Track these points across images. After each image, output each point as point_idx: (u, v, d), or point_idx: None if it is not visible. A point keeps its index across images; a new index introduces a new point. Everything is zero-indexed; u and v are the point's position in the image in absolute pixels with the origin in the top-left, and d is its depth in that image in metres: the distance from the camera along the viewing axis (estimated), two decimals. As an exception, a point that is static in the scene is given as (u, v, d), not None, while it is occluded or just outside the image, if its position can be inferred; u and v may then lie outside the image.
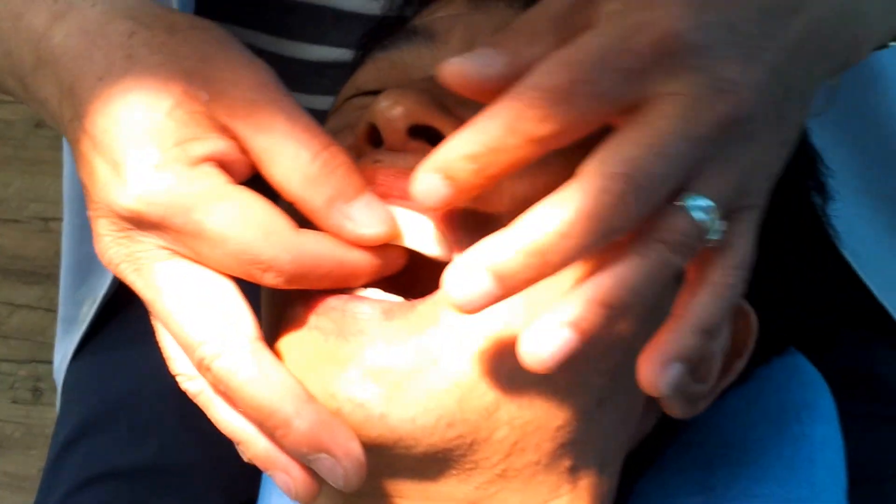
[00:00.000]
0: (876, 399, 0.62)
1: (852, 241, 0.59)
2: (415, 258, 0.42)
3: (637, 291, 0.35)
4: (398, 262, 0.41)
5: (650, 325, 0.43)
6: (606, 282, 0.35)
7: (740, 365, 0.48)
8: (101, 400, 0.70)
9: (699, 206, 0.35)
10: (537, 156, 0.35)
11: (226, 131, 0.38)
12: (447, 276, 0.34)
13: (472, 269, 0.34)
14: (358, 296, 0.41)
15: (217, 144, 0.38)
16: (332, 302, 0.41)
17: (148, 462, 0.66)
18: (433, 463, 0.41)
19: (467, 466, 0.42)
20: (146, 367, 0.64)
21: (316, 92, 0.68)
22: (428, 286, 0.41)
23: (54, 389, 0.78)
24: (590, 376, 0.42)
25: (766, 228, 0.50)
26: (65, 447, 0.69)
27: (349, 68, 0.53)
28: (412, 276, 0.43)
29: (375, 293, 0.42)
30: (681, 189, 0.35)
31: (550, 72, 0.34)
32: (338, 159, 0.39)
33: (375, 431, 0.40)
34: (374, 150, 0.43)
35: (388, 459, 0.41)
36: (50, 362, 0.78)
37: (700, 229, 0.35)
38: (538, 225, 0.33)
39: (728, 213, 0.36)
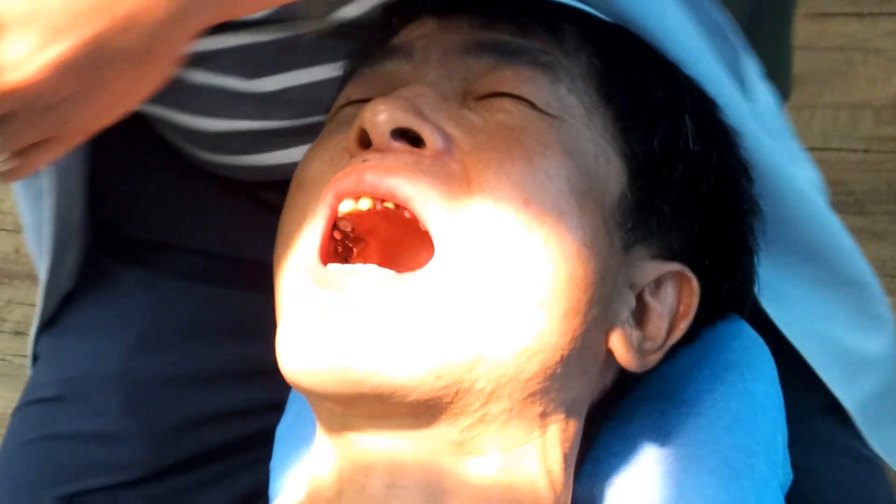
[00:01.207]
0: None
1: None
2: (405, 239, 0.49)
3: None
4: None
5: (602, 293, 0.50)
6: None
7: (685, 325, 0.55)
8: (58, 378, 0.77)
9: None
10: None
11: None
12: None
13: None
14: (357, 269, 0.48)
15: None
16: (333, 274, 0.48)
17: (88, 430, 0.75)
18: (425, 410, 0.47)
19: (454, 412, 0.48)
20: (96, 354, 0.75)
21: (221, 152, 0.75)
22: (416, 264, 0.48)
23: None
24: (554, 338, 0.49)
25: (707, 208, 0.57)
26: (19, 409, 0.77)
27: (340, 81, 0.60)
28: (402, 256, 0.50)
29: (371, 268, 0.48)
30: None
31: None
32: None
33: (375, 383, 0.46)
34: (364, 151, 0.49)
35: (387, 407, 0.47)
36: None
37: None
38: None
39: None
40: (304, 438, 0.67)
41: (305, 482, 0.54)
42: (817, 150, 1.68)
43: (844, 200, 1.62)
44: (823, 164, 1.71)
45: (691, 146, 0.55)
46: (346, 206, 0.49)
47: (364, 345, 0.46)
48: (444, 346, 0.47)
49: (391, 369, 0.46)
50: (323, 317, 0.47)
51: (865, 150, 1.67)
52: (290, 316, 0.49)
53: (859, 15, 1.86)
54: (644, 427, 0.59)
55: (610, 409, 0.59)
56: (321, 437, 0.53)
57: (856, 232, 1.59)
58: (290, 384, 0.49)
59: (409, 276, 0.47)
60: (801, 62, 1.81)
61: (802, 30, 1.87)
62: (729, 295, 0.60)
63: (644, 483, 0.57)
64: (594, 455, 0.59)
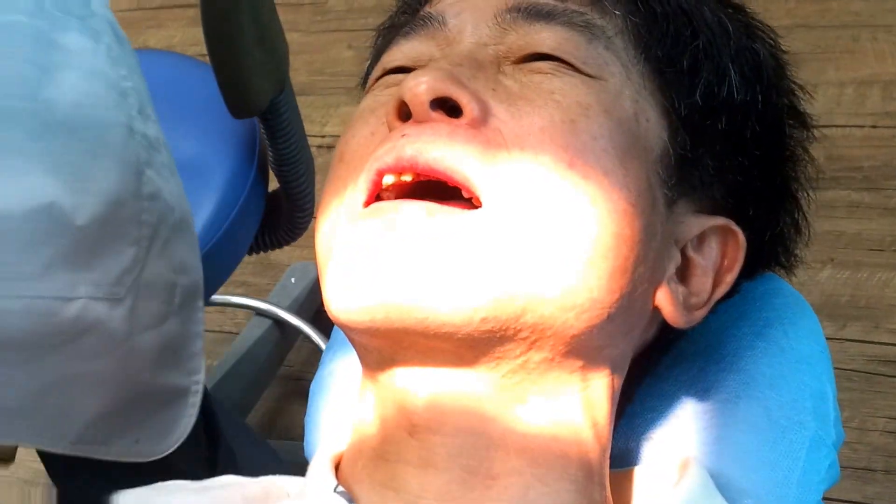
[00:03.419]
0: None
1: None
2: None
3: None
4: None
5: (648, 251, 0.48)
6: None
7: (731, 278, 0.53)
8: None
9: None
10: None
11: None
12: None
13: None
14: (400, 203, 0.46)
15: None
16: (376, 209, 0.46)
17: None
18: (469, 349, 0.46)
19: (496, 355, 0.46)
20: None
21: None
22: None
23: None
24: (602, 296, 0.47)
25: (751, 157, 0.54)
26: None
27: (374, 52, 0.59)
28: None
29: (415, 202, 0.46)
30: None
31: None
32: None
33: (422, 316, 0.44)
34: (403, 125, 0.48)
35: (433, 343, 0.45)
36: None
37: None
38: None
39: None
40: (338, 392, 0.67)
41: (347, 433, 0.53)
42: (821, 127, 1.66)
43: (852, 176, 1.60)
44: (826, 141, 1.69)
45: (735, 96, 0.53)
46: (389, 180, 0.47)
47: (413, 277, 0.44)
48: (493, 287, 0.45)
49: (439, 304, 0.44)
50: (369, 245, 0.45)
51: (873, 126, 1.65)
52: (335, 255, 0.47)
53: (864, -8, 1.84)
54: (682, 383, 0.57)
55: (648, 366, 0.57)
56: (365, 386, 0.51)
57: (865, 207, 1.58)
58: (339, 325, 0.47)
59: (459, 212, 0.46)
60: (801, 41, 1.79)
61: (803, 9, 1.85)
62: (772, 243, 0.58)
63: (681, 438, 0.55)
64: (631, 410, 0.57)
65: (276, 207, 1.11)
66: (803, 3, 1.85)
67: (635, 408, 0.57)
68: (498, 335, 0.45)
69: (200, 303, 0.77)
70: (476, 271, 0.44)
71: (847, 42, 1.76)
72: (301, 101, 1.11)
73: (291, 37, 2.36)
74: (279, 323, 1.58)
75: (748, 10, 0.58)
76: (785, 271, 0.61)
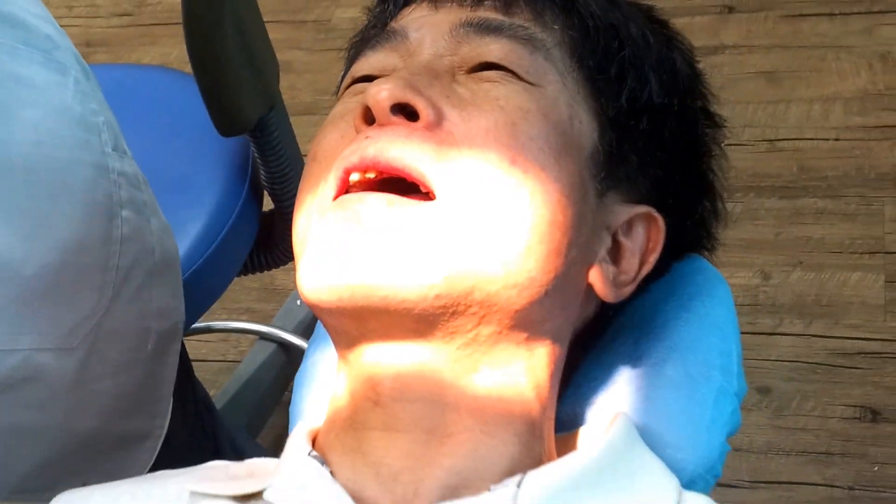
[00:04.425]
0: None
1: None
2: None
3: None
4: None
5: (580, 236, 0.56)
6: None
7: (654, 258, 0.61)
8: None
9: None
10: None
11: None
12: None
13: None
14: (364, 196, 0.52)
15: None
16: (343, 202, 0.53)
17: None
18: (426, 325, 0.52)
19: (450, 330, 0.53)
20: None
21: None
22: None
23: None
24: (539, 276, 0.54)
25: (670, 153, 0.63)
26: None
27: (346, 62, 0.65)
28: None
29: (378, 195, 0.53)
30: None
31: None
32: None
33: (383, 294, 0.50)
34: (367, 128, 0.55)
35: (394, 320, 0.52)
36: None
37: None
38: None
39: None
40: (321, 383, 0.72)
41: (325, 409, 0.59)
42: (792, 140, 1.75)
43: (818, 185, 1.69)
44: (798, 153, 1.80)
45: (655, 99, 0.61)
46: (355, 177, 0.54)
47: (374, 260, 0.50)
48: (445, 267, 0.51)
49: (397, 282, 0.50)
50: (337, 237, 0.52)
51: (836, 139, 1.74)
52: (308, 246, 0.53)
53: (831, 15, 1.93)
54: (619, 354, 0.65)
55: (590, 341, 0.64)
56: (340, 367, 0.58)
57: (828, 214, 1.67)
58: (311, 306, 0.53)
59: (415, 203, 0.52)
60: (777, 61, 1.89)
61: (779, 31, 1.95)
62: (693, 229, 0.66)
63: (618, 401, 0.63)
64: (576, 380, 0.65)
65: (271, 227, 1.09)
66: (780, 24, 1.95)
67: (580, 378, 0.65)
68: (450, 310, 0.52)
69: (177, 346, 0.74)
70: (430, 254, 0.51)
71: (815, 62, 1.85)
72: (305, 121, 1.15)
73: (295, 55, 2.44)
74: (284, 346, 1.52)
75: (670, 26, 0.66)
76: (708, 252, 0.70)
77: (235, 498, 0.54)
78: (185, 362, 0.83)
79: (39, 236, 0.61)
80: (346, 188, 0.53)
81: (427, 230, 0.51)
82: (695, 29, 1.91)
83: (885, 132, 1.72)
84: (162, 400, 0.74)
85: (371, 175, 0.53)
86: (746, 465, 1.38)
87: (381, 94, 0.53)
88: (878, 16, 1.90)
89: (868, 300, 1.53)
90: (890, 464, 1.37)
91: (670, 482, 0.57)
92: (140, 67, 1.22)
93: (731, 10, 1.96)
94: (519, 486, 0.51)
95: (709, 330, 0.65)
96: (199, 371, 1.15)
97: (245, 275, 1.13)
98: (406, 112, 0.54)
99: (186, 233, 1.00)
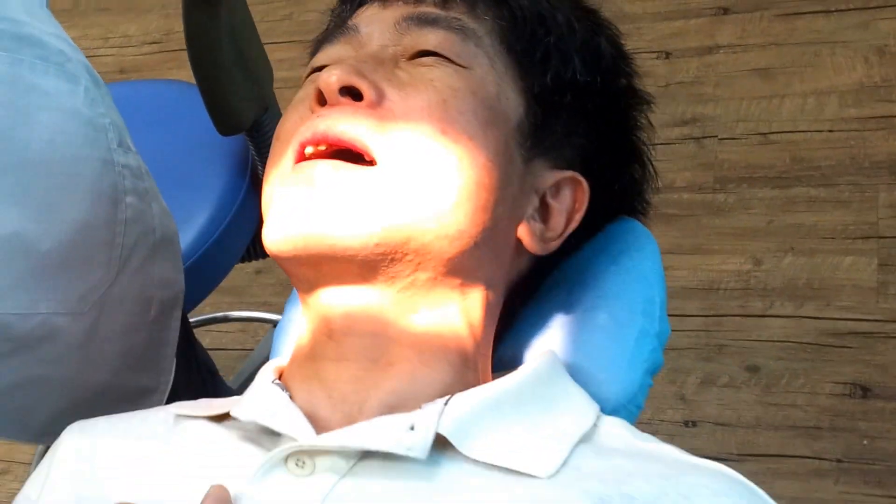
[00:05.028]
0: None
1: None
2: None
3: None
4: None
5: (506, 195, 0.63)
6: None
7: (579, 217, 0.67)
8: None
9: None
10: None
11: None
12: None
13: None
14: (316, 162, 0.60)
15: None
16: (300, 167, 0.60)
17: None
18: (369, 270, 0.59)
19: (390, 275, 0.60)
20: None
21: None
22: None
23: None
24: (468, 228, 0.61)
25: (594, 125, 0.69)
26: None
27: (310, 56, 0.72)
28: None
29: (327, 161, 0.60)
30: None
31: None
32: None
33: (330, 243, 0.57)
34: (320, 108, 0.62)
35: (342, 266, 0.59)
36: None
37: None
38: None
39: None
40: (294, 335, 0.79)
41: (289, 351, 0.67)
42: (786, 133, 1.80)
43: (811, 175, 1.73)
44: (791, 145, 1.84)
45: (578, 78, 0.68)
46: (310, 151, 0.61)
47: (323, 214, 0.57)
48: (383, 220, 0.58)
49: (342, 232, 0.57)
50: (293, 195, 0.59)
51: (830, 130, 1.78)
52: (272, 207, 0.61)
53: (826, 12, 1.97)
54: (554, 302, 0.72)
55: (528, 292, 0.71)
56: (303, 312, 0.65)
57: (821, 202, 1.71)
58: (273, 256, 0.61)
59: (358, 168, 0.59)
60: (772, 58, 1.94)
61: (773, 29, 2.00)
62: (622, 193, 0.73)
63: (552, 342, 0.70)
64: (517, 326, 0.72)
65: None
66: (775, 23, 2.00)
67: (521, 325, 0.72)
68: (389, 257, 0.59)
69: (178, 312, 0.83)
70: (370, 208, 0.58)
71: (810, 57, 1.90)
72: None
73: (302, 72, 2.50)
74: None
75: (597, 13, 0.73)
76: (642, 215, 0.76)
77: (210, 418, 0.62)
78: (186, 330, 0.92)
79: (53, 219, 0.71)
80: (301, 160, 0.61)
81: (368, 189, 0.58)
82: (690, 31, 1.97)
83: (881, 122, 1.77)
84: (166, 358, 0.83)
85: (322, 148, 0.60)
86: (735, 439, 1.43)
87: (332, 79, 0.61)
88: (874, 11, 1.94)
89: (860, 283, 1.57)
90: (880, 437, 1.41)
91: (590, 407, 0.63)
92: (153, 82, 1.33)
93: (725, 11, 2.02)
94: (446, 404, 0.58)
95: (634, 280, 0.71)
96: (219, 359, 1.24)
97: (246, 262, 1.22)
98: (353, 94, 0.61)
99: (193, 223, 1.10)
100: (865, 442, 1.40)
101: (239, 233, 1.15)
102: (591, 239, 0.73)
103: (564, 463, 0.56)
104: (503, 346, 0.70)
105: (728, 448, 1.42)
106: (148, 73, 2.41)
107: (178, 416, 0.63)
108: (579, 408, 0.63)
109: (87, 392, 0.78)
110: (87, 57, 0.83)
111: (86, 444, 0.63)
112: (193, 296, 1.07)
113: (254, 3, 1.14)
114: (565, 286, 0.73)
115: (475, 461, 0.56)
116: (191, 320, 1.10)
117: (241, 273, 1.82)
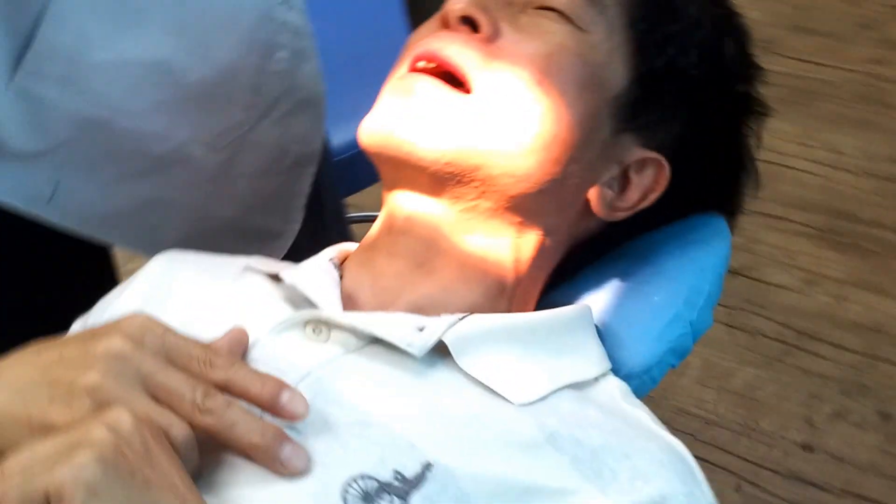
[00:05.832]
0: None
1: None
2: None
3: None
4: None
5: (582, 156, 0.68)
6: None
7: (653, 197, 0.71)
8: None
9: None
10: None
11: None
12: None
13: None
14: (422, 77, 0.66)
15: None
16: (408, 76, 0.66)
17: None
18: (437, 184, 0.65)
19: (456, 195, 0.65)
20: None
21: None
22: None
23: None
24: (535, 174, 0.65)
25: (698, 120, 0.72)
26: None
27: None
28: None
29: (432, 79, 0.66)
30: None
31: None
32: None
33: (407, 149, 0.64)
34: (441, 30, 0.67)
35: (415, 172, 0.65)
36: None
37: None
38: None
39: None
40: None
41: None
42: None
43: None
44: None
45: (691, 70, 0.70)
46: (421, 64, 0.66)
47: (410, 122, 0.63)
48: (459, 142, 0.63)
49: (421, 143, 0.63)
50: (392, 99, 0.65)
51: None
52: (377, 104, 0.66)
53: None
54: (615, 269, 0.76)
55: (594, 253, 0.76)
56: (383, 207, 0.70)
57: None
58: (362, 148, 0.66)
59: (454, 92, 0.64)
60: None
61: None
62: (710, 189, 0.76)
63: (598, 300, 0.74)
64: (575, 282, 0.76)
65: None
66: None
67: (578, 281, 0.76)
68: (457, 178, 0.64)
69: (311, 169, 0.86)
70: (451, 130, 0.63)
71: None
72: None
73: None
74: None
75: (735, 16, 0.75)
76: (729, 216, 0.78)
77: (269, 275, 0.69)
78: (323, 193, 0.94)
79: (204, 56, 0.74)
80: (413, 70, 0.66)
81: (455, 111, 0.64)
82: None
83: None
84: (296, 209, 0.87)
85: (433, 65, 0.66)
86: (843, 475, 1.40)
87: (457, 6, 0.67)
88: None
89: None
90: None
91: (600, 362, 0.67)
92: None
93: None
94: (462, 318, 0.62)
95: (691, 270, 0.75)
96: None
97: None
98: (472, 24, 0.66)
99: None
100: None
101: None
102: (670, 223, 0.76)
103: (543, 399, 0.60)
104: (557, 292, 0.75)
105: (833, 481, 1.40)
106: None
107: (247, 267, 0.70)
108: (586, 359, 0.66)
109: (214, 223, 0.83)
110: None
111: (169, 269, 0.70)
112: (350, 186, 1.18)
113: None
114: (629, 261, 0.77)
115: (466, 374, 0.60)
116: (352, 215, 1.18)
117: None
